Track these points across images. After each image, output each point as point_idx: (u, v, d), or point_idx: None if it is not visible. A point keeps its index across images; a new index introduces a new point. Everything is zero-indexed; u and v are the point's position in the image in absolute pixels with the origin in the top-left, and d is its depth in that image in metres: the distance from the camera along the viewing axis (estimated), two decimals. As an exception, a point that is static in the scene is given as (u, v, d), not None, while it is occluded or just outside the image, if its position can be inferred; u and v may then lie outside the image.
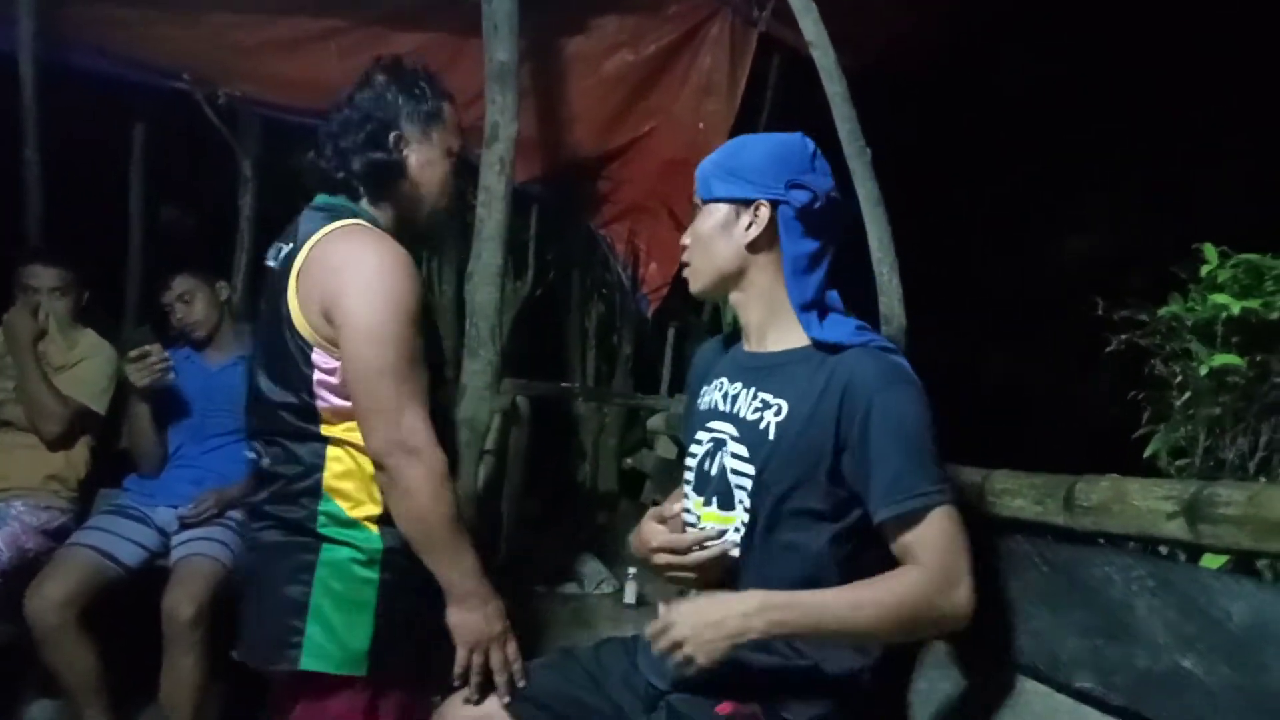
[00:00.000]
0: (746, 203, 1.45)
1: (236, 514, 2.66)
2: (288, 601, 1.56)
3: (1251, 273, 1.62)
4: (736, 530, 1.44)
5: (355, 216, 1.63)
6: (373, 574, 1.57)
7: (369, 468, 1.57)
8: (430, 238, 1.66)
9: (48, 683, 2.52)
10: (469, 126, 3.13)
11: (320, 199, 1.69)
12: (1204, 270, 1.69)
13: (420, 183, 1.69)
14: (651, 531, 1.51)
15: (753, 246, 1.45)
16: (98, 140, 3.59)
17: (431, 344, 1.65)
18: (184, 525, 2.60)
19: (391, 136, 1.65)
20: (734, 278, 1.48)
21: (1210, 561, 1.30)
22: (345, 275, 1.54)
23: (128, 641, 2.44)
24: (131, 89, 3.30)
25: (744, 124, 3.48)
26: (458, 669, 1.56)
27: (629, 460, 3.94)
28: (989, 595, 1.50)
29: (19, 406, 2.68)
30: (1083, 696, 1.32)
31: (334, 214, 1.63)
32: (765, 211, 1.43)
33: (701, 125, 3.39)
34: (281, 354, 1.58)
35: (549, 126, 3.36)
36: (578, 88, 3.28)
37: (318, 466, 1.57)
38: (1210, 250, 1.69)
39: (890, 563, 1.35)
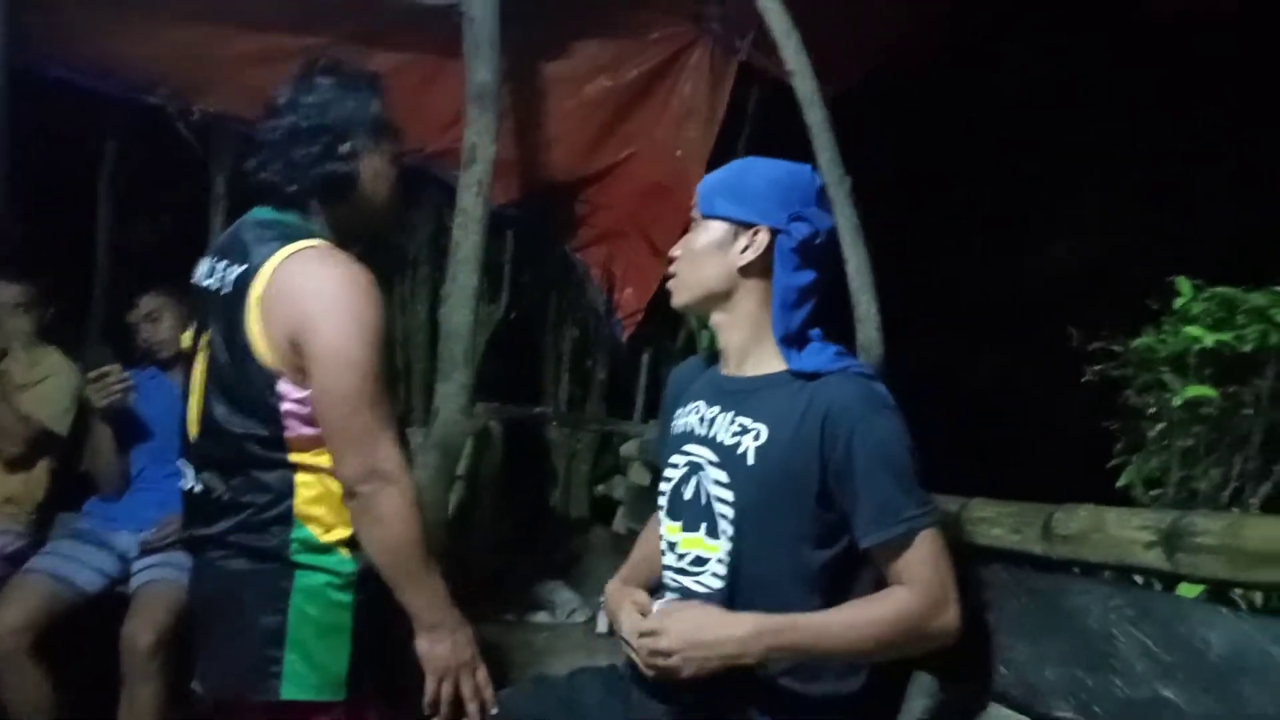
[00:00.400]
0: (746, 225, 1.44)
1: (201, 538, 2.61)
2: (263, 630, 1.52)
3: (1224, 305, 1.64)
4: (720, 561, 1.43)
5: (310, 235, 1.57)
6: (348, 597, 1.54)
7: (334, 490, 1.53)
8: (379, 249, 1.59)
9: (1, 711, 2.43)
10: (446, 149, 3.15)
11: (263, 213, 1.62)
12: (1177, 303, 1.71)
13: (371, 193, 1.63)
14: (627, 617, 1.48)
15: (745, 270, 1.44)
16: (66, 154, 3.54)
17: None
18: (146, 551, 2.54)
19: (345, 146, 1.58)
20: (719, 298, 1.48)
21: (1187, 591, 1.30)
22: (313, 303, 1.49)
23: (87, 670, 2.38)
24: (103, 102, 3.26)
25: (722, 152, 3.50)
26: (428, 698, 1.53)
27: (601, 487, 3.91)
28: (967, 624, 1.50)
29: (-24, 426, 2.62)
30: (1062, 727, 1.31)
31: (286, 233, 1.56)
32: (764, 237, 1.43)
33: (679, 152, 3.40)
34: (242, 383, 1.53)
35: (527, 149, 3.35)
36: (557, 111, 3.28)
37: (287, 493, 1.53)
38: (1184, 283, 1.71)
39: (876, 585, 1.36)
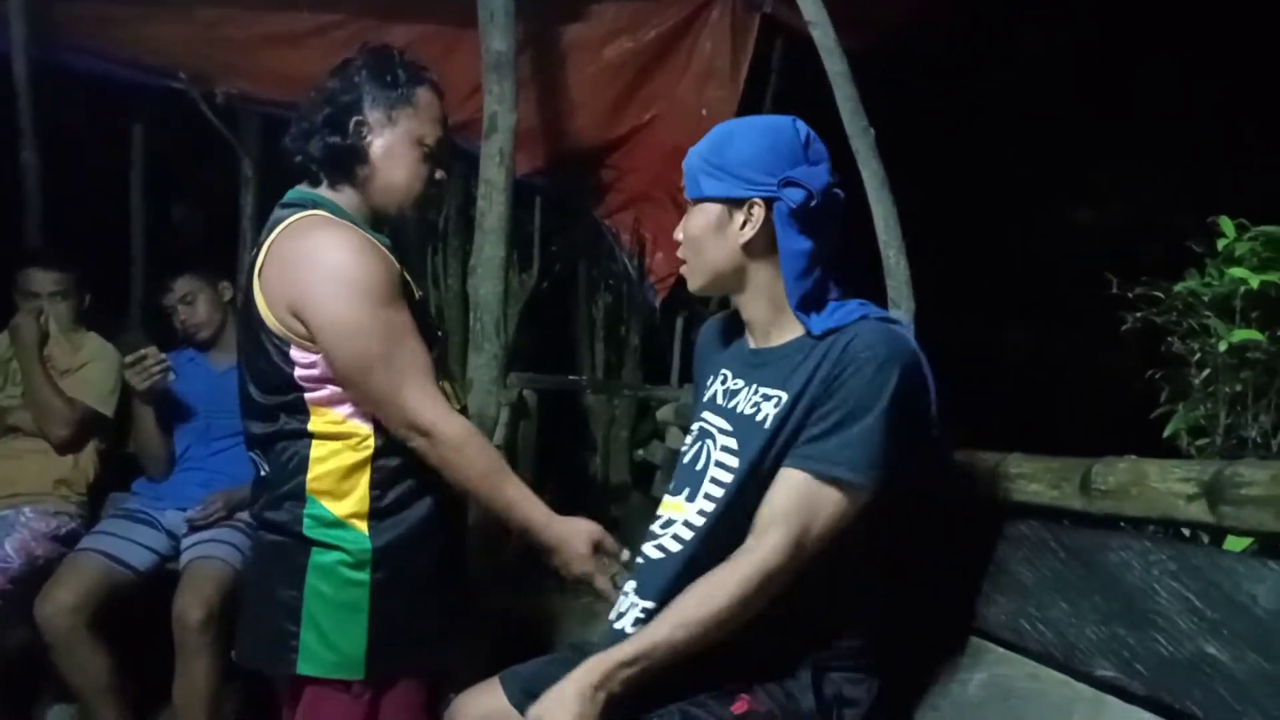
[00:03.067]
0: (739, 202, 1.38)
1: (246, 515, 2.65)
2: (282, 605, 1.55)
3: (1270, 245, 1.57)
4: (685, 524, 1.41)
5: (316, 206, 1.59)
6: (363, 575, 1.55)
7: (347, 461, 1.55)
8: (408, 224, 1.63)
9: (63, 688, 2.52)
10: (468, 120, 3.13)
11: (291, 193, 1.65)
12: (1221, 244, 1.64)
13: (382, 170, 1.62)
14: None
15: (749, 246, 1.39)
16: (97, 141, 3.58)
17: (424, 323, 1.62)
18: (193, 528, 2.59)
19: (352, 121, 1.60)
20: (732, 277, 1.43)
21: (1234, 544, 1.26)
22: (304, 271, 1.51)
23: (140, 645, 2.44)
24: (129, 88, 3.29)
25: (748, 109, 3.43)
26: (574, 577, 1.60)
27: (640, 452, 3.91)
28: (1004, 582, 1.47)
29: (26, 412, 2.67)
30: (1103, 685, 1.28)
31: (298, 208, 1.59)
32: (759, 211, 1.37)
33: (705, 112, 3.34)
34: (261, 355, 1.56)
35: (549, 117, 3.32)
36: (577, 76, 3.24)
37: (302, 468, 1.56)
38: (1227, 223, 1.64)
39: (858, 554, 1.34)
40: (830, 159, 1.43)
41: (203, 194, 4.07)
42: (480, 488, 1.55)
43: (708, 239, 1.41)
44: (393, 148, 1.62)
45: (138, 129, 3.62)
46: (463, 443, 1.52)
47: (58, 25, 3.04)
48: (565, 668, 1.52)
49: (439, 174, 1.68)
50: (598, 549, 1.59)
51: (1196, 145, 4.00)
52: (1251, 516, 1.10)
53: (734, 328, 1.55)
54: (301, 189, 1.65)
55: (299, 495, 1.56)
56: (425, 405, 1.50)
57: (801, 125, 1.42)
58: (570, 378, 3.87)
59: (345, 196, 1.64)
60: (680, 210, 3.31)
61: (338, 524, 1.55)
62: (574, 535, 1.58)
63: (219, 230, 3.72)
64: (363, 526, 1.56)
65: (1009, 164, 4.32)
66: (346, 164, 1.61)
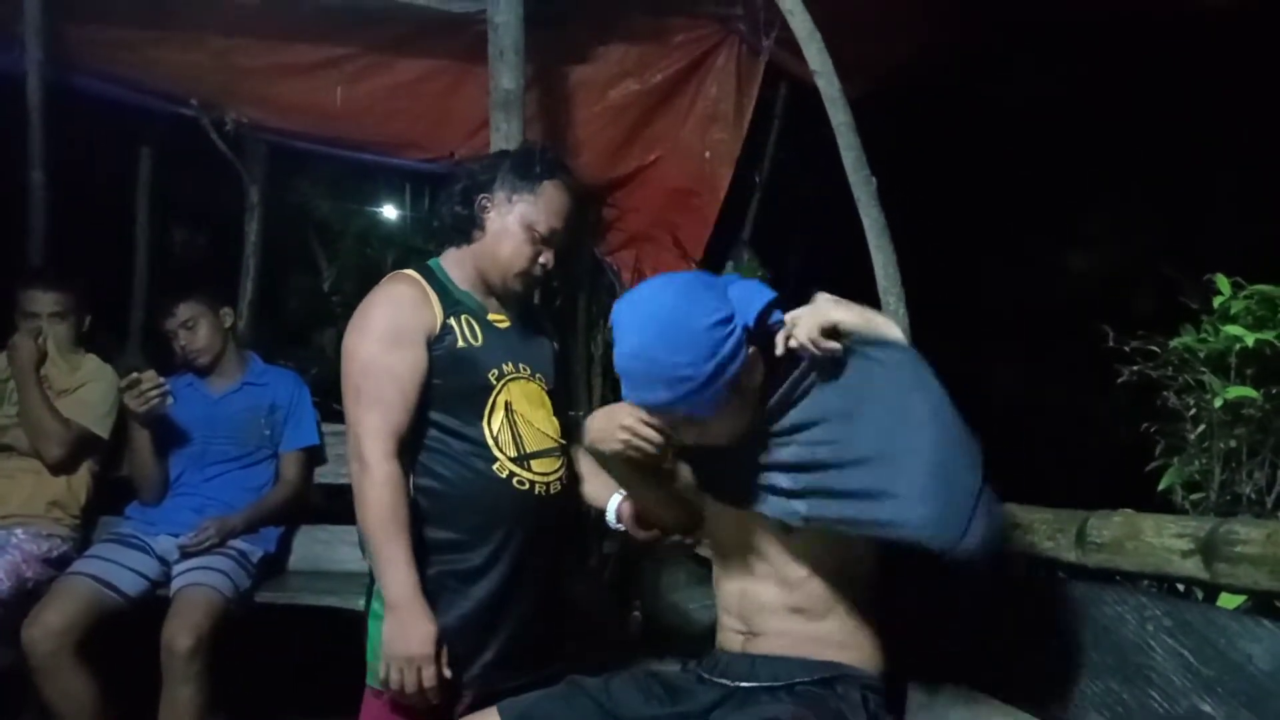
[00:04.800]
0: (734, 377, 1.38)
1: (239, 543, 2.64)
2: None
3: (1265, 304, 1.60)
4: None
5: (423, 268, 1.83)
6: (380, 603, 1.72)
7: None
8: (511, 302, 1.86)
9: (45, 713, 2.48)
10: (473, 156, 3.16)
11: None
12: (1217, 301, 1.66)
13: (490, 242, 1.80)
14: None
15: (751, 380, 1.43)
16: (105, 164, 3.60)
17: (468, 369, 1.77)
18: (185, 554, 2.57)
19: (479, 198, 1.80)
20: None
21: (1227, 601, 1.27)
22: (355, 312, 1.78)
23: (128, 672, 2.41)
24: (139, 113, 3.32)
25: (750, 152, 3.48)
26: (379, 677, 1.68)
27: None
28: (999, 633, 1.48)
29: (21, 431, 2.67)
30: (1097, 740, 1.29)
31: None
32: (754, 356, 1.41)
33: (708, 154, 3.38)
34: None
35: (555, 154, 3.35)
36: (583, 115, 3.28)
37: None
38: (1223, 281, 1.67)
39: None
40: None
41: (208, 220, 4.09)
42: (371, 532, 1.66)
43: (735, 418, 1.44)
44: (505, 226, 1.80)
45: (146, 153, 3.65)
46: (380, 484, 1.65)
47: (72, 48, 3.07)
48: (564, 702, 1.52)
49: (544, 258, 1.82)
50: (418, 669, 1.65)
51: (1185, 193, 4.05)
52: (1246, 574, 1.11)
53: None
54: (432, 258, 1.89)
55: None
56: (372, 442, 1.66)
57: (698, 279, 1.45)
58: (569, 414, 3.87)
59: (458, 258, 1.85)
60: (682, 249, 3.30)
61: None
62: (407, 638, 1.63)
63: (223, 256, 3.74)
64: None
65: (1005, 207, 4.37)
66: (462, 229, 1.82)
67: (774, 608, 1.48)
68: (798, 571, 1.46)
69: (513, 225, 1.79)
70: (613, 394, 4.00)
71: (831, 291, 1.46)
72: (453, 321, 1.77)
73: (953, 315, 3.92)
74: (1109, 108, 4.08)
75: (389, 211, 4.36)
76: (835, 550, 1.45)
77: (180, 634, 2.32)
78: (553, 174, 1.81)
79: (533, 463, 1.79)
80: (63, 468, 2.69)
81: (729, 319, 1.37)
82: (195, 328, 2.77)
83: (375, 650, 1.71)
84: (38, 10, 2.96)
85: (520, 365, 1.83)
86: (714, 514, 1.61)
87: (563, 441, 1.87)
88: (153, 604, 2.50)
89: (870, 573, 1.49)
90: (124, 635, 2.46)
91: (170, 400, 2.59)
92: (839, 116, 2.20)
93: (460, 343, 1.76)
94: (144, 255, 3.68)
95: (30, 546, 2.55)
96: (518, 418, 1.79)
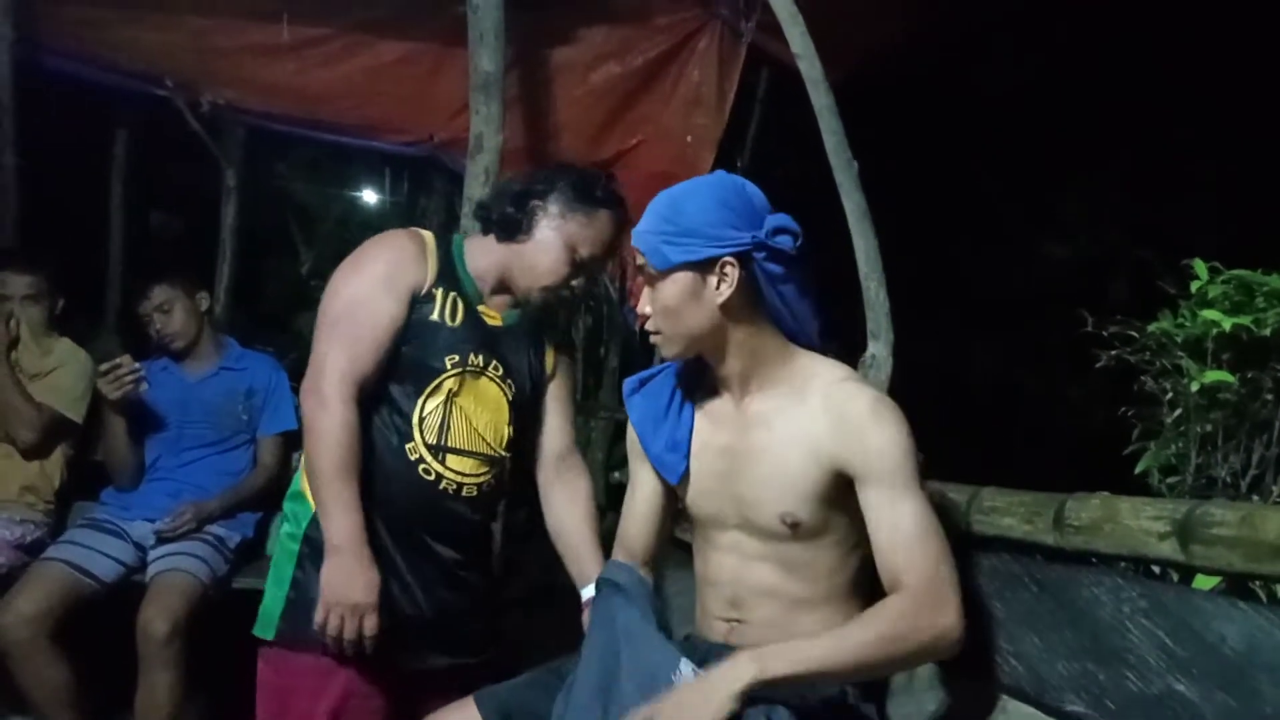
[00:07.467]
0: (710, 263, 1.38)
1: (216, 528, 2.62)
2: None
3: (1242, 289, 1.61)
4: None
5: (445, 238, 1.82)
6: (295, 546, 1.71)
7: None
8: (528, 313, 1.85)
9: (19, 699, 2.46)
10: (453, 138, 3.14)
11: None
12: (1194, 286, 1.68)
13: (531, 251, 1.77)
14: None
15: (726, 306, 1.40)
16: (79, 147, 3.55)
17: (429, 342, 1.73)
18: (161, 540, 2.55)
19: (532, 203, 1.78)
20: (711, 339, 1.43)
21: (1202, 583, 1.28)
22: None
23: (104, 658, 2.39)
24: (114, 94, 3.27)
25: (732, 137, 3.47)
26: (315, 621, 1.62)
27: (616, 474, 3.90)
28: (976, 617, 1.48)
29: (-7, 416, 2.63)
30: (1073, 720, 1.30)
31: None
32: (733, 270, 1.38)
33: (690, 139, 3.37)
34: None
35: (535, 137, 3.33)
36: (564, 99, 3.26)
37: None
38: (1200, 266, 1.68)
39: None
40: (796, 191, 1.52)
41: (184, 203, 4.05)
42: (321, 471, 1.63)
43: (684, 307, 1.40)
44: (550, 240, 1.77)
45: (121, 135, 3.59)
46: (338, 425, 1.62)
47: (43, 28, 3.02)
48: (543, 690, 1.51)
49: (575, 283, 1.80)
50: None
51: (1163, 181, 4.08)
52: (1221, 556, 1.11)
53: (687, 379, 1.54)
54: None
55: (298, 468, 1.77)
56: (334, 379, 1.63)
57: (737, 177, 1.45)
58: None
59: (486, 248, 1.81)
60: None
61: (298, 495, 1.73)
62: (351, 584, 1.60)
63: (199, 240, 3.70)
64: (310, 501, 1.69)
65: (982, 194, 4.39)
66: (509, 230, 1.79)
67: (770, 594, 1.45)
68: (801, 556, 1.43)
69: (559, 241, 1.76)
70: (593, 377, 4.01)
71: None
72: (439, 292, 1.74)
73: (933, 300, 3.94)
74: (1087, 94, 4.10)
75: (369, 195, 4.33)
76: (837, 547, 1.43)
77: (157, 619, 2.30)
78: (611, 205, 1.79)
79: (449, 457, 1.74)
80: (36, 452, 2.65)
81: (748, 224, 1.37)
82: (170, 311, 2.73)
83: (267, 598, 1.71)
84: (8, -13, 2.91)
85: (490, 364, 1.78)
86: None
87: (503, 453, 1.81)
88: (129, 590, 2.48)
89: (865, 566, 1.45)
90: (100, 621, 2.44)
91: (145, 385, 2.56)
92: (821, 100, 2.19)
93: (434, 315, 1.73)
94: (119, 239, 3.62)
95: (3, 532, 2.52)
96: (456, 409, 1.74)
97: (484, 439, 1.77)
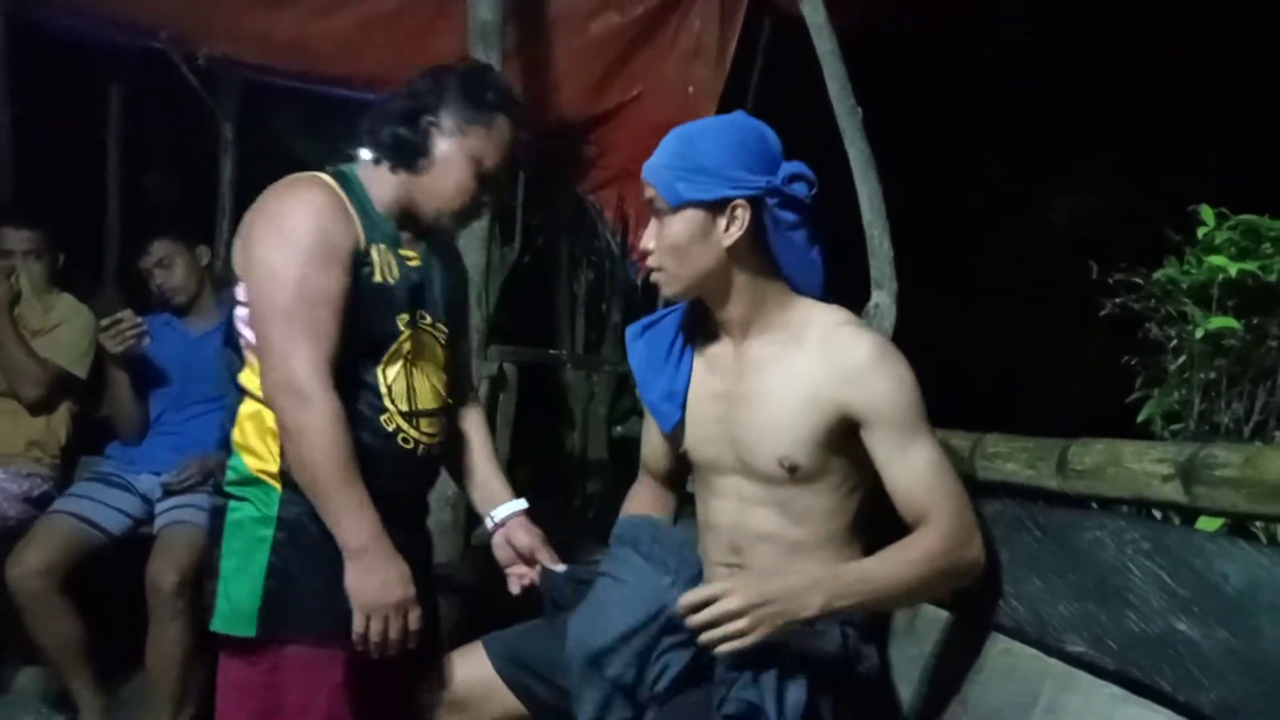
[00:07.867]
0: (721, 204, 1.37)
1: (220, 481, 2.63)
2: (209, 561, 1.58)
3: (1249, 234, 1.60)
4: None
5: (336, 175, 1.61)
6: (267, 531, 1.54)
7: (269, 420, 1.54)
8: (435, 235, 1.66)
9: (32, 651, 2.50)
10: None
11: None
12: (1201, 232, 1.67)
13: (434, 172, 1.62)
14: None
15: (733, 249, 1.39)
16: (74, 103, 3.51)
17: (378, 307, 1.59)
18: (168, 493, 2.57)
19: (424, 120, 1.61)
20: (715, 281, 1.42)
21: (1206, 524, 1.28)
22: (259, 214, 1.55)
23: (114, 610, 2.42)
24: (107, 49, 3.22)
25: (734, 88, 3.43)
26: (355, 633, 1.48)
27: (619, 428, 3.91)
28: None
29: (-2, 372, 2.64)
30: (1074, 660, 1.31)
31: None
32: (744, 212, 1.36)
33: (691, 90, 3.33)
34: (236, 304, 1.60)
35: (534, 89, 3.29)
36: (563, 49, 3.21)
37: (230, 422, 1.59)
38: (1207, 211, 1.67)
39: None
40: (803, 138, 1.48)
41: (181, 158, 4.01)
42: (323, 475, 1.48)
43: (691, 245, 1.39)
44: (452, 157, 1.61)
45: (116, 90, 3.55)
46: (329, 422, 1.47)
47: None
48: (550, 635, 1.52)
49: (485, 198, 1.68)
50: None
51: (1172, 133, 4.05)
52: (1224, 498, 1.12)
53: (689, 325, 1.54)
54: (340, 165, 1.66)
55: (228, 448, 1.59)
56: (308, 372, 1.47)
57: (753, 119, 1.43)
58: (550, 352, 3.86)
59: (383, 178, 1.63)
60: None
61: (252, 480, 1.55)
62: (387, 584, 1.48)
63: (198, 196, 3.67)
64: (275, 484, 1.54)
65: (987, 148, 4.35)
66: (406, 154, 1.62)
67: (769, 539, 1.45)
68: (799, 500, 1.44)
69: (459, 157, 1.61)
70: (595, 332, 4.01)
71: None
72: (373, 250, 1.58)
73: (938, 248, 3.93)
74: (1093, 45, 4.05)
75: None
76: (836, 490, 1.44)
77: (166, 572, 2.33)
78: (505, 106, 1.65)
79: (422, 421, 1.63)
80: (41, 408, 2.66)
81: (764, 169, 1.36)
82: (171, 266, 2.72)
83: (233, 591, 1.53)
84: (-3, -61, 2.87)
85: (427, 313, 1.66)
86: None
87: (449, 401, 1.71)
88: (137, 542, 2.50)
89: (863, 509, 1.47)
90: (110, 574, 2.46)
91: (147, 340, 2.56)
92: (824, 45, 2.17)
93: (377, 276, 1.58)
94: (116, 194, 3.60)
95: (11, 486, 2.54)
96: (415, 370, 1.62)
97: (439, 393, 1.68)
